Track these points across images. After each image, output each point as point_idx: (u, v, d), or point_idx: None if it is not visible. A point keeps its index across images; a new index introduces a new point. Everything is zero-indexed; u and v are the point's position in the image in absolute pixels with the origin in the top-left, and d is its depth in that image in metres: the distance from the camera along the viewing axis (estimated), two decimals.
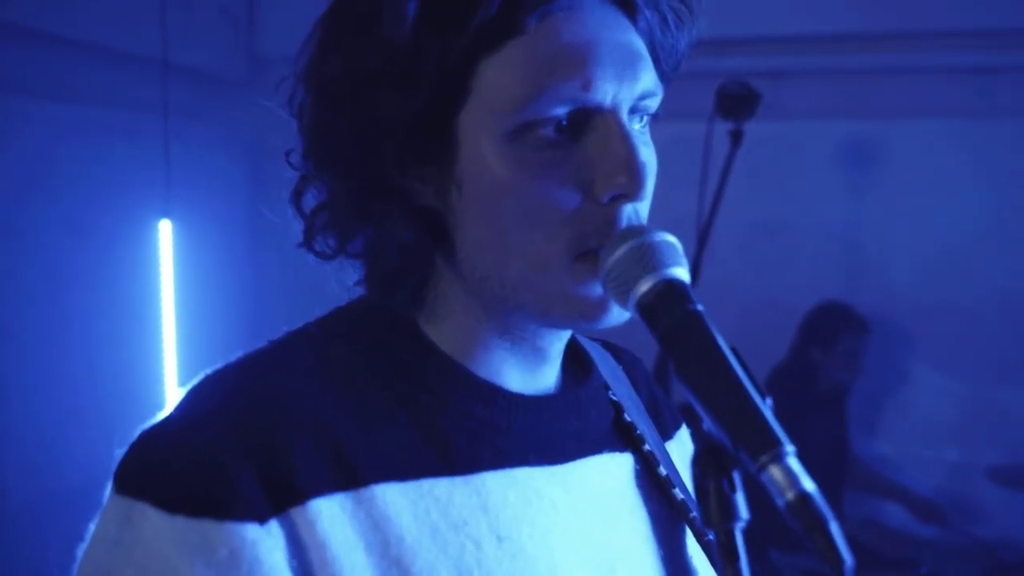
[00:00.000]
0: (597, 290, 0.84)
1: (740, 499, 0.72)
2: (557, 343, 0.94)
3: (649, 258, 0.78)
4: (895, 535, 3.84)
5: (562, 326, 0.89)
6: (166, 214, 2.93)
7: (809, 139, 4.15)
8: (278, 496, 0.78)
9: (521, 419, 0.91)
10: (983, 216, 3.99)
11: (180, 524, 0.76)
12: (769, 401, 0.72)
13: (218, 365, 0.89)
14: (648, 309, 0.78)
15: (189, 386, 0.87)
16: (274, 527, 0.77)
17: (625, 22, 0.86)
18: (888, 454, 4.14)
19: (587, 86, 0.81)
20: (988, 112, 3.97)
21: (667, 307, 0.77)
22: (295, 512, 0.78)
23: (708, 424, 0.73)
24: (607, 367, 1.07)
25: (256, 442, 0.79)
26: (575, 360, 1.03)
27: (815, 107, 4.12)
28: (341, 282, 0.95)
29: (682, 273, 0.79)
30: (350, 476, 0.81)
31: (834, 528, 0.65)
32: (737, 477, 0.73)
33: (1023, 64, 3.87)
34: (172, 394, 3.01)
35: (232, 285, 3.81)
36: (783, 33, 3.93)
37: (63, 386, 3.20)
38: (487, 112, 0.82)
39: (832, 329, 3.77)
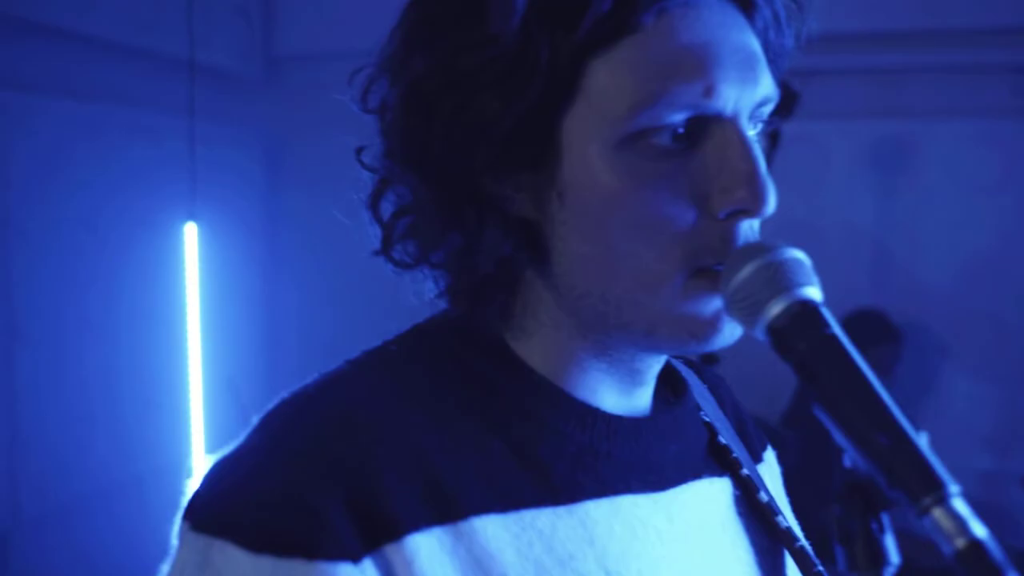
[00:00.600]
0: (709, 310, 0.78)
1: (890, 542, 0.66)
2: (655, 365, 0.88)
3: (780, 278, 0.72)
4: (930, 545, 3.77)
5: (667, 349, 0.83)
6: (192, 216, 2.88)
7: (838, 139, 4.10)
8: (372, 532, 0.72)
9: (621, 443, 0.85)
10: (1016, 218, 3.94)
11: (266, 564, 0.70)
12: (924, 436, 0.66)
13: (294, 389, 0.84)
14: (780, 333, 0.71)
15: (264, 413, 0.82)
16: (368, 566, 0.72)
17: (742, 20, 0.80)
18: None
19: (709, 92, 0.75)
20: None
21: (802, 331, 0.70)
22: (390, 549, 0.73)
23: (853, 460, 0.67)
24: (696, 386, 1.02)
25: (346, 474, 0.74)
26: (666, 379, 0.97)
27: (844, 107, 4.06)
28: (419, 295, 0.90)
29: (814, 293, 0.73)
30: (447, 508, 0.76)
31: None
32: (886, 519, 0.67)
33: None
34: (196, 401, 2.96)
35: (257, 289, 3.76)
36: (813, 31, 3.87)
37: (81, 391, 3.14)
38: (597, 116, 0.76)
39: (866, 338, 3.71)
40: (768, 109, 0.80)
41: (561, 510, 0.80)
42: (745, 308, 0.74)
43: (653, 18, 0.75)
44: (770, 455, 1.10)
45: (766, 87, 0.78)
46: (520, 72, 0.75)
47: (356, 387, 0.81)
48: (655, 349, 0.83)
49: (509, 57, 0.75)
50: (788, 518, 0.97)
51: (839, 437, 0.67)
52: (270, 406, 0.83)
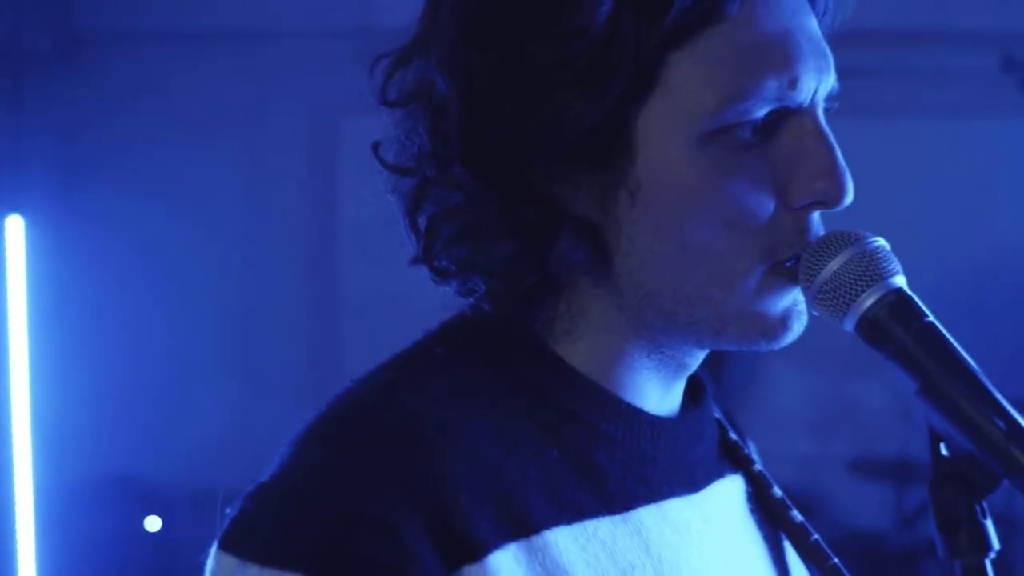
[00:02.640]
0: (780, 307, 0.79)
1: (991, 528, 0.69)
2: (701, 358, 0.88)
3: (872, 267, 0.74)
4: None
5: (734, 345, 0.82)
6: (15, 209, 2.63)
7: None
8: (452, 554, 0.70)
9: (665, 446, 0.85)
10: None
11: None
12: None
13: (333, 402, 0.78)
14: (877, 324, 0.73)
15: (310, 427, 0.76)
16: None
17: (807, 6, 0.80)
18: None
19: (794, 84, 0.75)
20: None
21: (901, 321, 0.72)
22: (471, 571, 0.70)
23: (952, 447, 0.69)
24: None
25: (424, 493, 0.70)
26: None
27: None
28: (448, 305, 0.86)
29: (903, 281, 0.75)
30: (521, 522, 0.74)
31: None
32: (986, 505, 0.69)
33: None
34: (20, 408, 2.70)
35: (93, 285, 3.50)
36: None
37: None
38: (679, 111, 0.75)
39: None
40: (831, 101, 0.82)
41: (617, 519, 0.80)
42: (836, 300, 0.75)
43: (737, 6, 0.75)
44: (753, 450, 1.13)
45: (834, 77, 0.80)
46: (605, 67, 0.73)
47: (416, 396, 0.77)
48: (721, 346, 0.83)
49: (594, 52, 0.73)
50: (799, 514, 0.99)
51: (944, 424, 0.69)
52: (314, 420, 0.77)
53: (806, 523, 0.97)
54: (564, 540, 0.75)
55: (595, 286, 0.81)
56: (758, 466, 0.98)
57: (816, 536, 0.97)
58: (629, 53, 0.73)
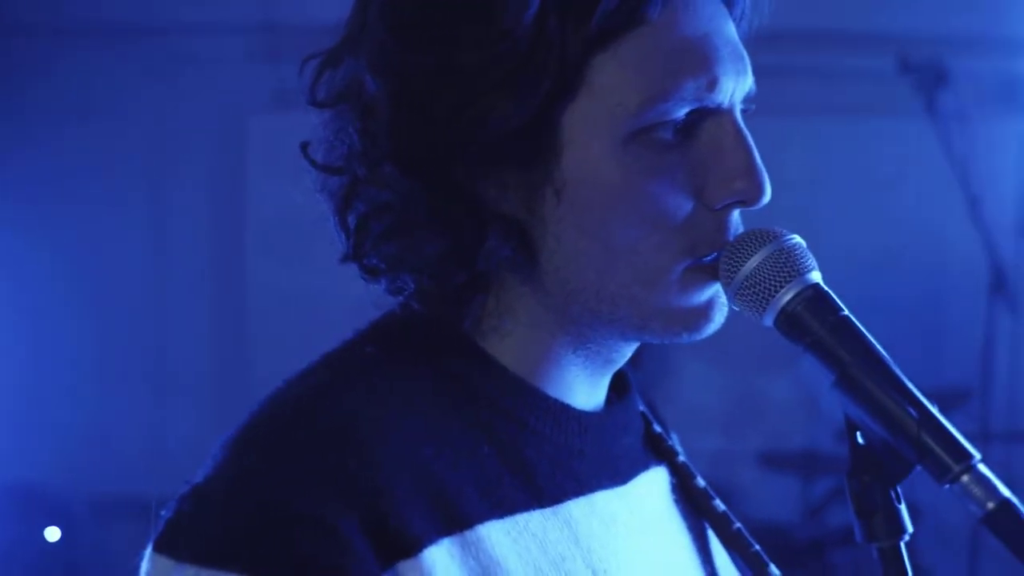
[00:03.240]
0: (702, 300, 0.82)
1: (905, 512, 0.72)
2: (629, 353, 0.90)
3: (791, 264, 0.77)
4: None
5: (658, 339, 0.85)
6: None
7: None
8: (387, 550, 0.71)
9: (591, 440, 0.87)
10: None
11: None
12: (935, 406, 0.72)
13: (266, 403, 0.78)
14: (794, 318, 0.76)
15: (241, 429, 0.76)
16: None
17: (725, 11, 0.83)
18: None
19: (712, 85, 0.78)
20: None
21: (817, 315, 0.75)
22: (405, 567, 0.71)
23: (869, 436, 0.73)
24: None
25: (360, 491, 0.71)
26: None
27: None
28: (379, 304, 0.87)
29: (819, 276, 0.78)
30: (454, 517, 0.75)
31: None
32: (900, 491, 0.73)
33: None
34: None
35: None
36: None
37: None
38: (603, 112, 0.77)
39: None
40: (748, 104, 0.85)
41: (548, 512, 0.81)
42: (755, 296, 0.77)
43: (658, 10, 0.77)
44: (676, 440, 1.16)
45: (751, 79, 0.83)
46: (531, 69, 0.75)
47: (348, 395, 0.78)
48: (644, 340, 0.85)
49: (520, 53, 0.74)
50: (722, 503, 1.02)
51: (859, 413, 0.72)
52: (247, 421, 0.76)
53: (728, 513, 1.00)
54: (496, 534, 0.76)
55: (522, 284, 0.83)
56: (682, 457, 1.01)
57: (738, 525, 1.00)
58: (555, 55, 0.74)
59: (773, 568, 0.97)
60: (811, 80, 4.19)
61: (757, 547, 0.98)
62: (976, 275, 3.68)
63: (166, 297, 4.14)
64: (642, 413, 1.01)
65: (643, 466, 0.95)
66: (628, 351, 0.89)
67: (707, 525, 0.99)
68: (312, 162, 0.83)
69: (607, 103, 0.77)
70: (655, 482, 0.96)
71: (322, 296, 4.26)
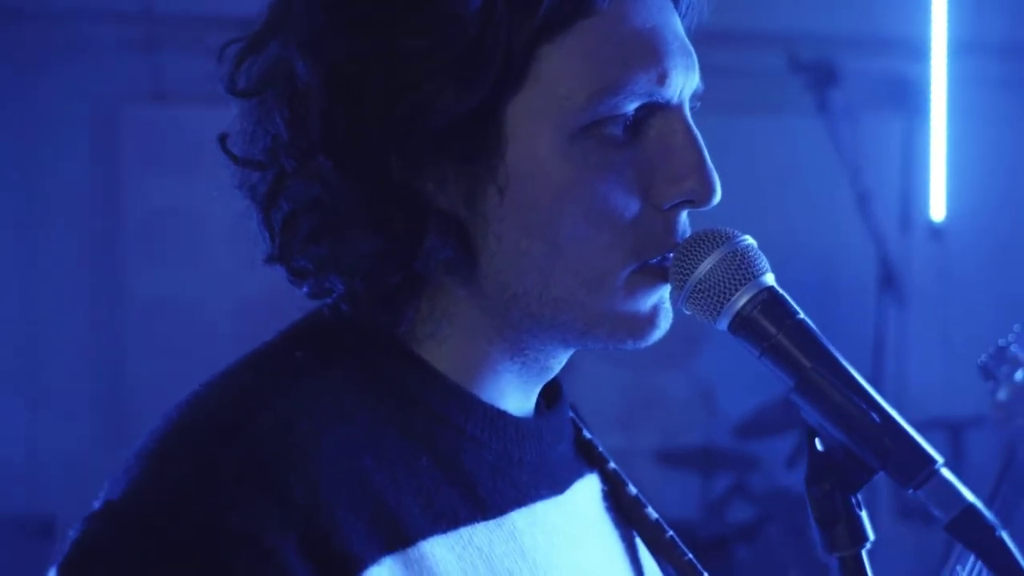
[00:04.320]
0: (648, 305, 0.79)
1: (866, 519, 0.70)
2: (564, 360, 0.86)
3: (745, 266, 0.74)
4: None
5: (600, 345, 0.81)
6: None
7: None
8: (327, 571, 0.66)
9: (529, 447, 0.84)
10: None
11: None
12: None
13: (184, 410, 0.71)
14: (750, 323, 0.73)
15: (158, 436, 0.69)
16: None
17: (671, 5, 0.81)
18: None
19: (663, 79, 0.75)
20: None
21: (774, 319, 0.73)
22: None
23: (829, 442, 0.71)
24: None
25: (295, 508, 0.66)
26: None
27: None
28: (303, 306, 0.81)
29: (773, 279, 0.76)
30: (395, 533, 0.71)
31: (1005, 535, 0.66)
32: (860, 498, 0.71)
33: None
34: None
35: None
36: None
37: None
38: (550, 105, 0.73)
39: None
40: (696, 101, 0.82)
41: (492, 524, 0.78)
42: (708, 300, 0.74)
43: (607, 1, 0.74)
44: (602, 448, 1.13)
45: (698, 75, 0.80)
46: (478, 56, 0.71)
47: (280, 403, 0.72)
48: (586, 345, 0.81)
49: (468, 39, 0.70)
50: (654, 511, 0.99)
51: (819, 418, 0.70)
52: (163, 430, 0.70)
53: (661, 520, 0.98)
54: (440, 550, 0.73)
55: (459, 287, 0.79)
56: (612, 464, 0.98)
57: (671, 533, 0.98)
58: (502, 42, 0.71)
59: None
60: (703, 78, 4.24)
61: (690, 555, 0.96)
62: (866, 271, 3.78)
63: (40, 303, 3.94)
64: (572, 419, 0.98)
65: (577, 474, 0.92)
66: (564, 358, 0.86)
67: (635, 534, 0.97)
68: (232, 156, 0.78)
69: (554, 95, 0.73)
70: (588, 490, 0.94)
71: (206, 298, 4.14)
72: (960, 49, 3.10)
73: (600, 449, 0.98)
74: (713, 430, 4.06)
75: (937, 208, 3.19)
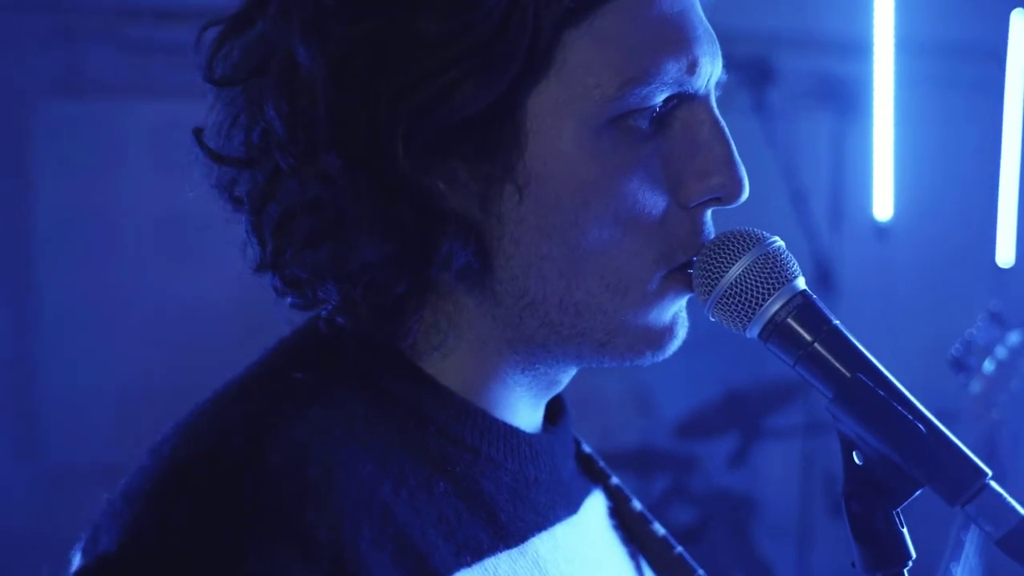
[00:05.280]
0: (669, 316, 0.76)
1: (907, 536, 0.68)
2: (572, 375, 0.83)
3: (778, 270, 0.71)
4: None
5: (616, 360, 0.77)
6: None
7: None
8: None
9: (543, 465, 0.81)
10: None
11: None
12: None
13: (178, 443, 0.66)
14: (784, 330, 0.70)
15: (157, 480, 0.63)
16: None
17: None
18: None
19: (693, 68, 0.72)
20: None
21: (810, 326, 0.70)
22: None
23: (865, 456, 0.68)
24: None
25: (318, 546, 0.61)
26: None
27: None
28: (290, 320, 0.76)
29: (804, 282, 0.73)
30: (421, 569, 0.67)
31: None
32: (901, 514, 0.69)
33: None
34: None
35: None
36: None
37: None
38: (576, 96, 0.69)
39: None
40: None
41: (515, 552, 0.74)
42: (739, 306, 0.71)
43: None
44: None
45: (721, 63, 0.77)
46: (502, 43, 0.66)
47: (290, 432, 0.67)
48: (599, 361, 0.77)
49: (492, 25, 0.65)
50: (661, 527, 0.97)
51: (860, 430, 0.68)
52: (156, 466, 0.64)
53: (668, 536, 0.95)
54: None
55: (468, 295, 0.74)
56: (615, 480, 0.95)
57: (679, 549, 0.95)
58: (529, 27, 0.66)
59: None
60: None
61: (701, 571, 0.94)
62: (802, 269, 3.82)
63: None
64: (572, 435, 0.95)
65: (586, 491, 0.90)
66: (573, 372, 0.82)
67: (638, 550, 0.94)
68: (213, 155, 0.72)
69: (581, 86, 0.69)
70: (597, 507, 0.91)
71: (123, 302, 3.97)
72: (904, 49, 3.14)
73: (601, 464, 0.95)
74: (650, 431, 4.06)
75: (882, 208, 3.24)
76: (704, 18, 0.76)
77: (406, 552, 0.65)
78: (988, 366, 1.44)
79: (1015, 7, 3.61)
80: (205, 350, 3.46)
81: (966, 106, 3.71)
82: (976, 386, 1.41)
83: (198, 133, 0.73)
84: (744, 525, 3.43)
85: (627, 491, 0.96)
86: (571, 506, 0.83)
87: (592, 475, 0.94)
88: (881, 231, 3.26)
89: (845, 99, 3.60)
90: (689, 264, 0.74)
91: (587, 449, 0.95)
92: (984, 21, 3.66)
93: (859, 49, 3.35)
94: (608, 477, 0.95)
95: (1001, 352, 1.47)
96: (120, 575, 0.60)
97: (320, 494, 0.63)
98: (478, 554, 0.71)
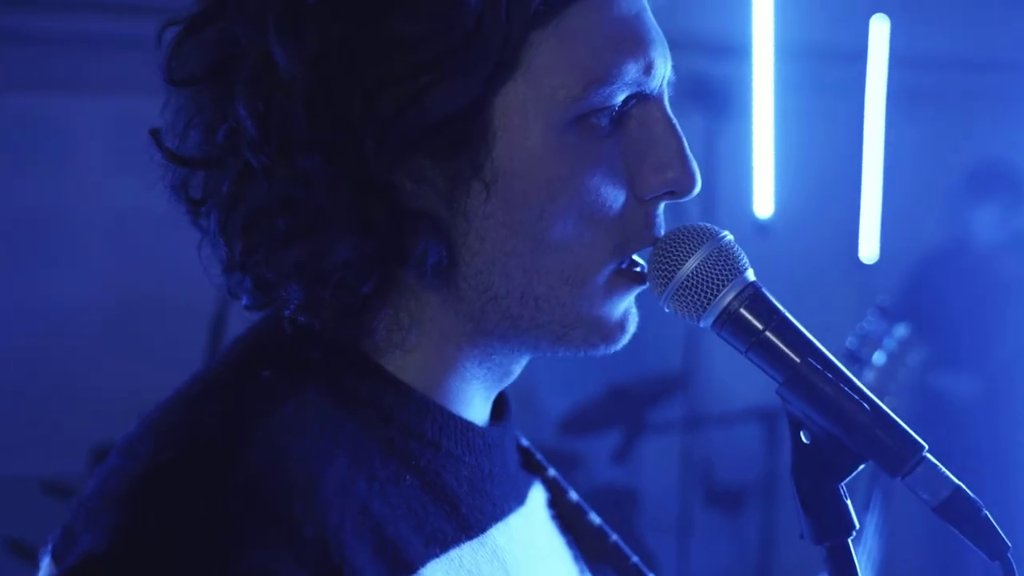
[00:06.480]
0: (621, 310, 0.80)
1: (852, 508, 0.74)
2: (524, 364, 0.86)
3: (730, 262, 0.76)
4: None
5: (572, 351, 0.80)
6: None
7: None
8: None
9: (496, 458, 0.84)
10: None
11: None
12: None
13: (151, 443, 0.66)
14: (737, 320, 0.75)
15: (138, 481, 0.64)
16: None
17: None
18: None
19: (649, 69, 0.75)
20: None
21: (760, 315, 0.75)
22: None
23: (815, 434, 0.74)
24: None
25: (306, 541, 0.63)
26: None
27: None
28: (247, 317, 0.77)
29: (753, 274, 0.78)
30: (397, 560, 0.69)
31: (988, 514, 0.70)
32: (844, 488, 0.74)
33: None
34: None
35: None
36: None
37: None
38: (542, 96, 0.72)
39: None
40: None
41: (475, 543, 0.77)
42: (693, 298, 0.76)
43: None
44: None
45: (671, 63, 0.81)
46: (477, 44, 0.69)
47: (268, 428, 0.68)
48: (555, 352, 0.80)
49: (467, 27, 0.68)
50: (597, 516, 1.00)
51: (808, 411, 0.73)
52: (131, 467, 0.64)
53: (604, 526, 0.99)
54: (438, 575, 0.72)
55: (432, 290, 0.76)
56: (552, 471, 0.98)
57: (614, 537, 0.99)
58: (501, 28, 0.69)
59: None
60: None
61: (635, 559, 0.98)
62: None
63: None
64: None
65: (529, 483, 0.93)
66: (524, 363, 0.85)
67: (574, 540, 0.97)
68: (173, 156, 0.72)
69: (548, 86, 0.72)
70: (538, 498, 0.94)
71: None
72: (781, 52, 3.28)
73: (538, 456, 0.99)
74: (534, 428, 4.11)
75: (763, 206, 3.37)
76: (653, 19, 0.79)
77: (384, 544, 0.68)
78: (879, 357, 1.53)
79: (874, 12, 3.82)
80: (63, 352, 3.34)
81: (834, 108, 3.90)
82: (869, 376, 1.50)
83: (155, 133, 0.73)
84: (627, 519, 3.52)
85: (564, 483, 0.99)
86: (520, 498, 0.86)
87: (531, 467, 0.96)
88: (762, 228, 3.39)
89: (719, 99, 3.73)
90: (636, 263, 0.78)
91: (524, 442, 0.98)
92: (848, 25, 3.85)
93: (734, 51, 3.48)
94: (545, 469, 0.98)
95: (889, 344, 1.57)
96: (117, 574, 0.59)
97: (304, 490, 0.64)
98: (444, 545, 0.73)
